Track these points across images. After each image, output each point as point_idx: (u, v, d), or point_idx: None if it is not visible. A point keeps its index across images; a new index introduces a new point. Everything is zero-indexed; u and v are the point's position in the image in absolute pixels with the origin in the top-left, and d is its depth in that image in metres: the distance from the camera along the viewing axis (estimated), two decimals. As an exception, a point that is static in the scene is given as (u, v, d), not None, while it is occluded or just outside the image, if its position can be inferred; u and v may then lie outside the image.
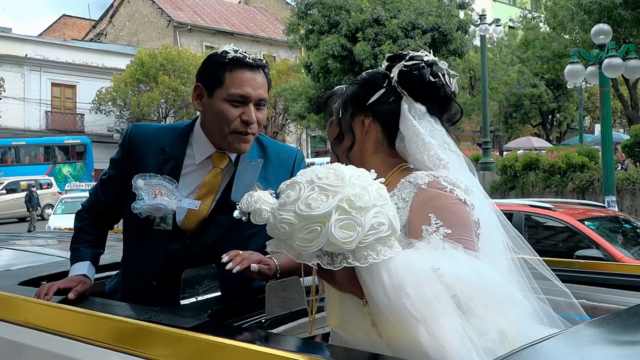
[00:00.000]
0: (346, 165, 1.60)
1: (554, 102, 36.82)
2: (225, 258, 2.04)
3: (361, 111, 1.84)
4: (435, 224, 1.60)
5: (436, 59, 1.83)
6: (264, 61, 2.37)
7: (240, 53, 2.31)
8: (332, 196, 1.45)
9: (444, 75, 1.80)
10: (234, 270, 2.02)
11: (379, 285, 1.48)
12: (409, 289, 1.45)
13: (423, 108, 1.79)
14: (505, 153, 26.95)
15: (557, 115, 39.37)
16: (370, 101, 1.82)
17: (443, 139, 1.79)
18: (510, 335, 1.54)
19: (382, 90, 1.81)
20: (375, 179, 1.54)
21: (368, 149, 1.84)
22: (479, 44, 23.12)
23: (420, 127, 1.77)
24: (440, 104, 1.81)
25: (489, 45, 32.07)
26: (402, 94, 1.80)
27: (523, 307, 1.63)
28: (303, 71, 27.69)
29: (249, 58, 2.30)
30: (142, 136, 2.44)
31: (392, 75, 1.82)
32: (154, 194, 2.28)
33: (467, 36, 26.19)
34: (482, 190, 1.80)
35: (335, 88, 2.03)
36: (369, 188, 1.49)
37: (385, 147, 1.84)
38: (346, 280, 1.55)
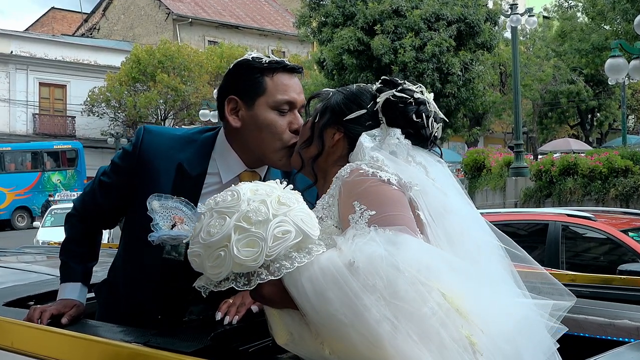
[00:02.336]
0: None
1: (594, 99, 36.64)
2: (219, 316, 2.11)
3: (335, 124, 1.97)
4: (360, 209, 1.68)
5: (427, 98, 1.96)
6: (300, 66, 2.40)
7: (274, 57, 2.33)
8: (230, 217, 1.57)
9: (428, 117, 1.93)
10: (234, 322, 2.09)
11: (304, 296, 1.56)
12: (329, 294, 1.53)
13: (398, 130, 1.91)
14: (540, 157, 26.85)
15: (598, 114, 39.21)
16: (347, 117, 1.95)
17: (407, 152, 1.90)
18: (455, 299, 1.56)
19: (363, 111, 1.95)
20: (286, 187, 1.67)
21: (331, 160, 1.97)
22: (509, 37, 23.06)
23: (364, 141, 1.89)
24: (416, 138, 1.93)
25: (521, 38, 32.04)
26: (381, 121, 1.93)
27: (460, 267, 1.66)
28: (315, 68, 27.78)
29: (287, 61, 2.32)
30: (155, 145, 2.39)
31: (378, 100, 1.94)
32: (172, 221, 2.23)
33: (496, 28, 26.15)
34: (458, 192, 1.91)
35: (322, 90, 2.13)
36: (268, 199, 1.60)
37: (345, 160, 1.95)
38: (277, 297, 1.64)
